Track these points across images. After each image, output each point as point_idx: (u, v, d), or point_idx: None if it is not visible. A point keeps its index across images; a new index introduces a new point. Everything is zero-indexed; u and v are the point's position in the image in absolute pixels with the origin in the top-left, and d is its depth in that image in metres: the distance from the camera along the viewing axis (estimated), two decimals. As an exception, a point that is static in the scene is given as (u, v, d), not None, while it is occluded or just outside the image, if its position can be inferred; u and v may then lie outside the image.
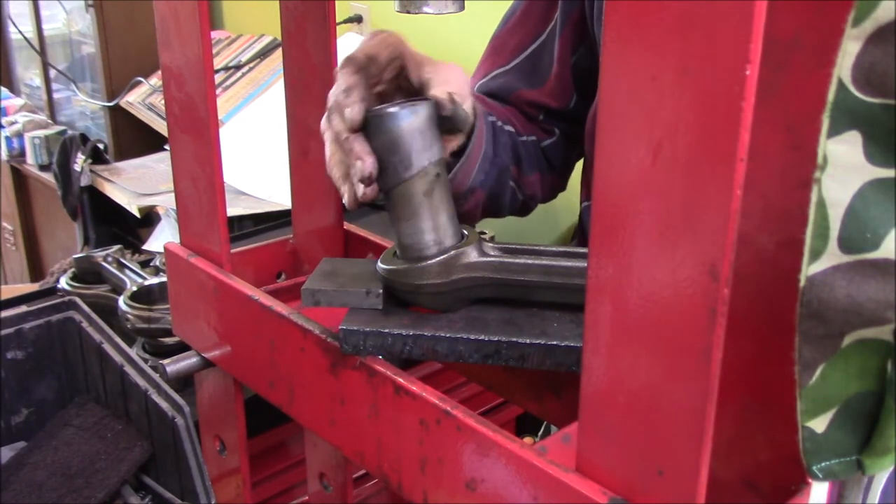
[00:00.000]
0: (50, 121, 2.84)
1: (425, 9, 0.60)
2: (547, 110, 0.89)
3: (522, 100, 0.89)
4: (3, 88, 2.98)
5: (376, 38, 0.64)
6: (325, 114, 0.62)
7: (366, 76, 0.61)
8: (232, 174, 1.60)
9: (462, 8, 0.61)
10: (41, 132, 2.60)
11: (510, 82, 0.89)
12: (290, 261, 0.80)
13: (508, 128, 0.86)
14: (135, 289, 1.01)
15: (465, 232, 0.59)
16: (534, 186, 0.89)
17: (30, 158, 2.64)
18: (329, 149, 0.63)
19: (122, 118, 2.45)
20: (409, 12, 0.60)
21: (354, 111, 0.57)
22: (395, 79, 0.65)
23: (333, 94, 0.60)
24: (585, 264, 0.40)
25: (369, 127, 0.56)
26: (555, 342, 0.52)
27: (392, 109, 0.56)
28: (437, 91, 0.60)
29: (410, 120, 0.55)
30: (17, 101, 2.96)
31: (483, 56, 0.94)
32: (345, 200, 0.62)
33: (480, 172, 0.78)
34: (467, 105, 0.63)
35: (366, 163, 0.56)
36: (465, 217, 0.84)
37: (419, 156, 0.56)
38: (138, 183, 1.90)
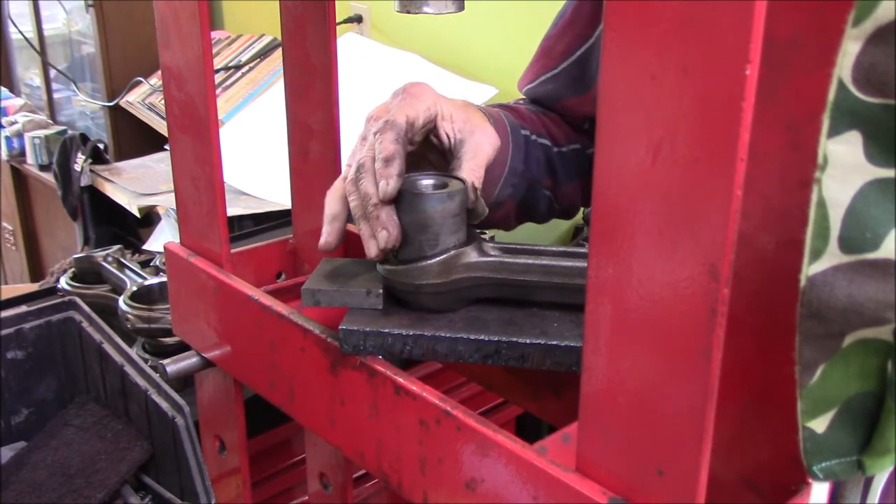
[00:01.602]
0: (50, 121, 2.84)
1: (425, 9, 0.60)
2: (591, 120, 0.89)
3: (567, 109, 0.89)
4: (3, 88, 2.98)
5: (411, 96, 0.63)
6: (353, 161, 0.61)
7: (405, 143, 0.61)
8: (232, 174, 1.60)
9: (462, 8, 0.61)
10: (41, 132, 2.60)
11: (557, 90, 0.89)
12: (290, 261, 0.80)
13: (543, 140, 0.86)
14: (135, 289, 1.01)
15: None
16: (572, 196, 0.89)
17: (30, 158, 2.64)
18: (337, 184, 0.62)
19: (122, 118, 2.45)
20: (409, 12, 0.60)
21: (392, 185, 0.56)
22: (425, 137, 0.65)
23: (369, 155, 0.59)
24: (585, 264, 0.40)
25: (402, 201, 0.56)
26: (555, 342, 0.52)
27: (429, 190, 0.57)
28: (467, 171, 0.62)
29: (445, 205, 0.56)
30: (17, 101, 2.96)
31: (534, 56, 0.93)
32: (323, 239, 0.61)
33: (508, 186, 0.79)
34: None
35: (391, 235, 0.56)
36: (498, 224, 0.85)
37: (446, 238, 0.56)
38: (138, 183, 1.90)
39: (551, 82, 0.89)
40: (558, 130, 0.88)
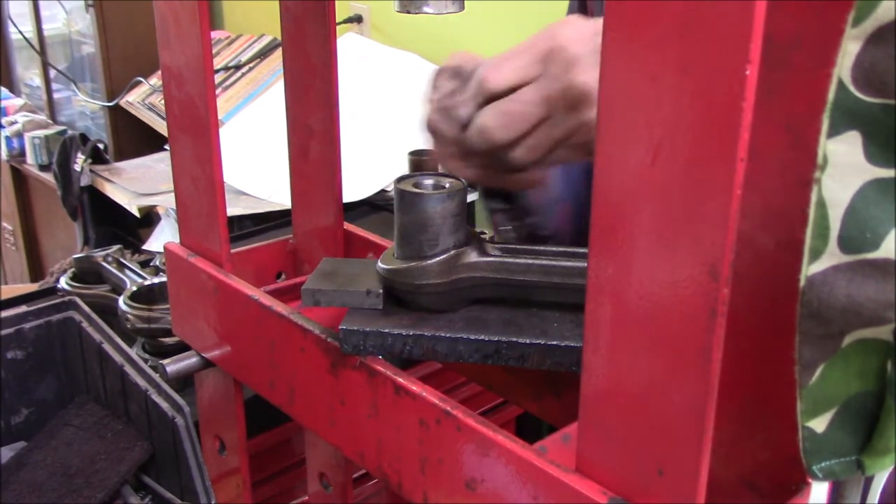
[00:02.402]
0: (50, 121, 2.84)
1: (425, 9, 0.60)
2: None
3: None
4: (3, 88, 2.99)
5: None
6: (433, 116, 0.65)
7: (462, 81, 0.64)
8: (232, 174, 1.60)
9: (462, 8, 0.61)
10: (41, 132, 2.60)
11: None
12: (290, 261, 0.80)
13: None
14: (135, 289, 1.01)
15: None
16: None
17: (30, 158, 2.64)
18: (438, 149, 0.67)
19: (122, 118, 2.45)
20: (409, 12, 0.60)
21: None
22: None
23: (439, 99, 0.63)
24: (585, 264, 0.40)
25: (402, 201, 0.57)
26: (555, 342, 0.52)
27: (429, 190, 0.57)
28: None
29: (445, 205, 0.56)
30: (17, 101, 2.96)
31: None
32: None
33: None
34: None
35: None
36: None
37: (446, 238, 0.56)
38: (138, 183, 1.90)
39: None
40: None
